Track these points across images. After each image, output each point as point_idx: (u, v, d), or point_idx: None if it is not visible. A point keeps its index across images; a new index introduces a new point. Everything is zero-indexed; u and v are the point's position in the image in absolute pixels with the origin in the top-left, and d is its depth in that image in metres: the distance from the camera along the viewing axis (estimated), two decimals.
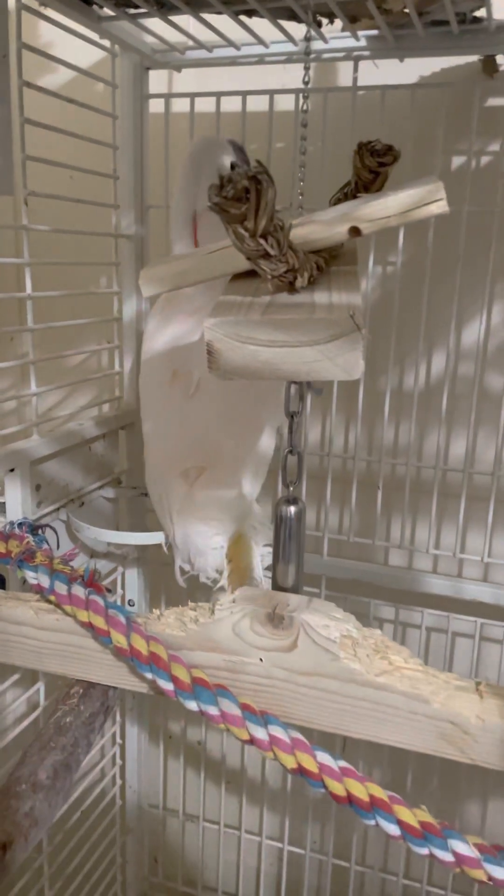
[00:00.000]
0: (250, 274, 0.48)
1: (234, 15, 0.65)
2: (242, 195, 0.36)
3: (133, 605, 0.96)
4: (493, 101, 0.80)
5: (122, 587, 0.95)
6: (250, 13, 0.65)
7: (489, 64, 0.79)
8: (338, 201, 0.55)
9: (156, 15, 0.65)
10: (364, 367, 0.40)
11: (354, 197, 0.53)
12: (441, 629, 0.92)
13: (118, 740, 1.01)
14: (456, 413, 0.86)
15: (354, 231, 0.45)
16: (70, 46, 0.75)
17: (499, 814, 0.96)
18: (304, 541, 0.56)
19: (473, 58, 0.78)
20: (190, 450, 0.68)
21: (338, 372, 0.40)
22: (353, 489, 0.87)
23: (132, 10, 0.66)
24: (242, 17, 0.66)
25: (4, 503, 0.69)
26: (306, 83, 0.51)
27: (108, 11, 0.66)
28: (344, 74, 0.83)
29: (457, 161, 0.83)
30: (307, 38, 0.54)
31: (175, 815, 1.11)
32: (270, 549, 0.66)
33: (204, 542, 0.68)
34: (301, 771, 0.49)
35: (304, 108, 0.51)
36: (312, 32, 0.54)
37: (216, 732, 1.08)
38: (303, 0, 0.61)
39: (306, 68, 0.51)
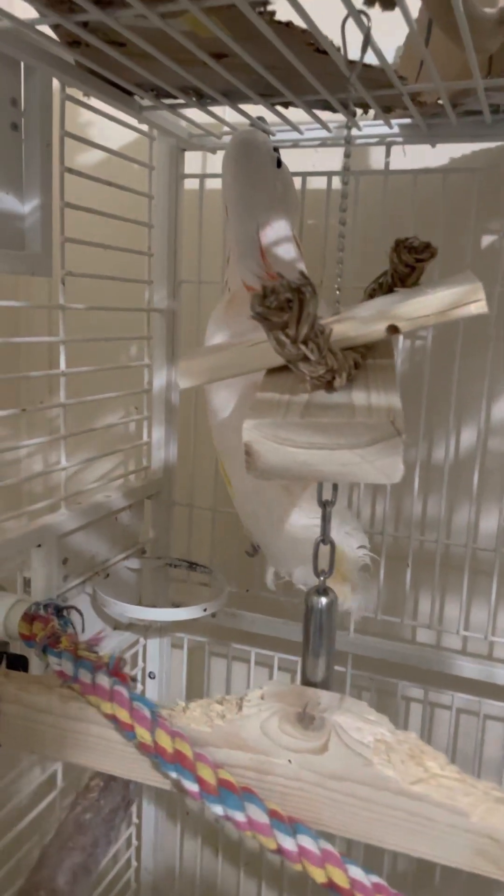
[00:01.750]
0: (287, 368, 0.48)
1: (271, 106, 0.66)
2: (285, 305, 0.36)
3: (154, 678, 0.94)
4: None
5: (144, 659, 0.93)
6: (286, 104, 0.67)
7: None
8: (373, 291, 0.55)
9: (194, 105, 0.67)
10: (403, 470, 0.39)
11: (391, 290, 0.53)
12: (471, 711, 0.89)
13: (134, 820, 0.98)
14: (486, 489, 0.85)
15: (393, 329, 0.44)
16: (106, 126, 0.77)
17: None
18: (335, 634, 0.54)
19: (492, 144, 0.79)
20: None
21: (377, 475, 0.39)
22: (382, 565, 0.85)
23: (170, 101, 0.68)
24: (279, 108, 0.68)
25: (30, 579, 0.69)
26: (347, 168, 0.51)
27: (148, 102, 0.68)
28: (375, 158, 0.85)
29: (486, 240, 0.84)
30: (348, 127, 0.55)
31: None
32: (366, 551, 0.69)
33: (307, 551, 0.69)
34: (332, 886, 0.46)
35: (345, 192, 0.51)
36: (350, 121, 0.55)
37: None
38: (339, 94, 0.62)
39: (347, 155, 0.52)
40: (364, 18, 0.46)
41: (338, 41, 0.52)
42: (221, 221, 0.84)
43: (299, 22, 0.47)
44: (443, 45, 0.58)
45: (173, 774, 0.50)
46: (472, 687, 0.85)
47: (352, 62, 0.52)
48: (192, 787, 0.49)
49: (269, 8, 0.46)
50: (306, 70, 0.55)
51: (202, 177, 0.84)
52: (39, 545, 0.68)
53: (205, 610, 0.77)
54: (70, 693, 0.56)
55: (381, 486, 0.88)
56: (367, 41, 0.48)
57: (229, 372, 0.48)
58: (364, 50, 0.49)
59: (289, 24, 0.49)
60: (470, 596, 0.87)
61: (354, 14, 0.45)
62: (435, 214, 0.78)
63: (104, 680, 0.53)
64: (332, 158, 0.86)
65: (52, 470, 0.71)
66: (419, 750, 0.49)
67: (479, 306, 0.43)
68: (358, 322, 0.45)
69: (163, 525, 0.92)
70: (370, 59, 0.53)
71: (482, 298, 0.43)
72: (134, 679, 0.57)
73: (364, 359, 0.48)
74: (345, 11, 0.46)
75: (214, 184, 0.85)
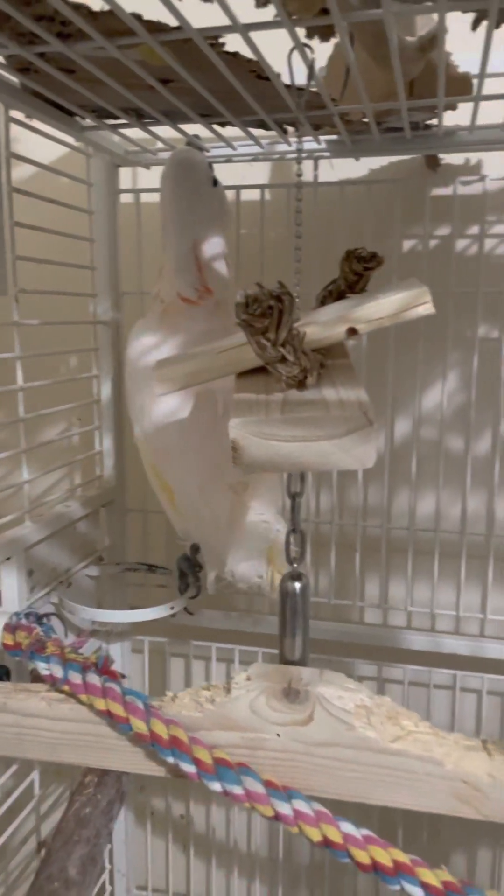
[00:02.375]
0: (257, 370, 0.52)
1: (209, 125, 0.70)
2: (266, 312, 0.40)
3: (125, 677, 0.96)
4: (437, 192, 0.87)
5: (112, 663, 0.95)
6: (223, 124, 0.71)
7: (432, 159, 0.87)
8: (324, 298, 0.59)
9: (136, 125, 0.70)
10: (375, 456, 0.44)
11: (340, 296, 0.58)
12: (420, 683, 0.95)
13: None
14: (422, 475, 0.91)
15: (351, 331, 0.49)
16: (34, 142, 0.78)
17: (484, 861, 0.98)
18: (309, 615, 0.58)
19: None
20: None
21: (351, 462, 0.44)
22: (332, 552, 0.90)
23: (111, 121, 0.71)
24: (216, 126, 0.72)
25: (0, 592, 0.70)
26: (299, 185, 0.56)
27: (90, 122, 0.70)
28: (304, 171, 0.90)
29: (408, 244, 0.90)
30: (298, 150, 0.60)
31: (164, 895, 1.09)
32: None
33: (253, 548, 0.72)
34: (326, 843, 0.51)
35: (299, 208, 0.56)
36: (299, 138, 0.60)
37: (200, 805, 1.07)
38: (274, 115, 0.67)
39: (299, 175, 0.57)
40: (308, 51, 0.50)
41: (276, 68, 0.57)
42: (158, 234, 0.87)
43: (245, 51, 0.52)
44: (365, 67, 0.64)
45: (171, 759, 0.53)
46: (418, 658, 0.92)
47: (298, 88, 0.56)
48: (190, 768, 0.53)
49: (220, 40, 0.50)
50: (248, 94, 0.59)
51: (137, 191, 0.87)
52: (8, 558, 0.69)
53: (171, 608, 0.79)
54: (58, 696, 0.58)
55: (326, 478, 0.93)
56: (313, 70, 0.53)
57: (203, 377, 0.52)
58: (310, 78, 0.54)
59: (235, 55, 0.53)
60: (413, 575, 0.93)
61: (299, 46, 0.49)
62: (361, 223, 0.84)
63: (95, 679, 0.56)
64: (262, 172, 0.91)
65: (16, 483, 0.72)
66: (395, 711, 0.54)
67: (426, 308, 0.48)
68: (320, 326, 0.49)
69: (118, 531, 0.94)
70: (300, 80, 0.58)
71: (429, 301, 0.48)
72: (123, 675, 0.59)
73: (325, 360, 0.52)
74: (288, 43, 0.50)
75: (149, 198, 0.88)
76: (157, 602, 0.83)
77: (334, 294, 0.58)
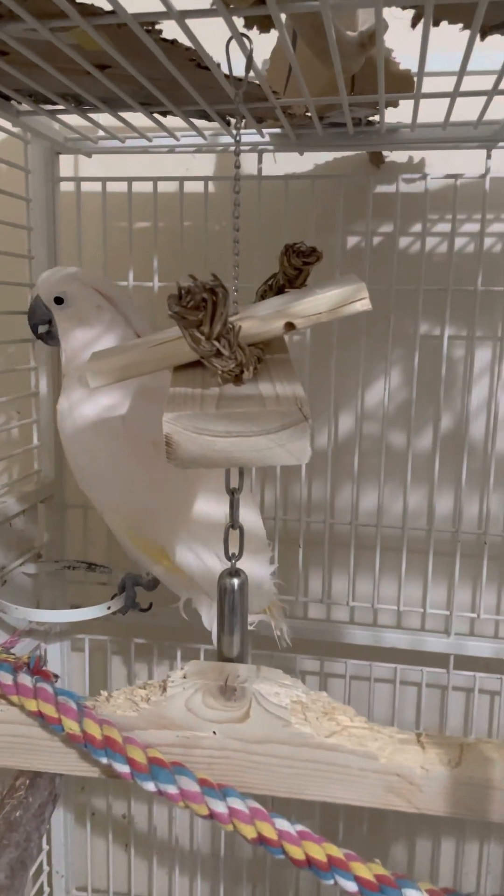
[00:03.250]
0: (194, 364, 0.51)
1: (150, 114, 0.69)
2: (200, 304, 0.39)
3: (58, 678, 0.94)
4: (381, 189, 0.88)
5: (44, 664, 0.93)
6: (165, 113, 0.70)
7: (376, 156, 0.87)
8: (264, 293, 0.59)
9: (74, 112, 0.68)
10: (311, 452, 0.44)
11: (280, 291, 0.57)
12: (362, 677, 0.96)
13: None
14: (364, 470, 0.92)
15: (289, 326, 0.49)
16: None
17: (424, 853, 1.00)
18: (247, 612, 0.58)
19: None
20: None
21: (287, 457, 0.43)
22: (276, 548, 0.90)
23: (49, 107, 0.69)
24: (157, 116, 0.70)
25: None
26: (237, 167, 0.56)
27: (26, 107, 0.68)
28: (248, 164, 0.89)
29: (351, 241, 0.91)
30: (237, 141, 0.59)
31: (104, 895, 1.08)
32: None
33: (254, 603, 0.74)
34: (261, 840, 0.50)
35: (237, 200, 0.56)
36: (237, 129, 0.59)
37: (142, 804, 1.06)
38: (216, 105, 0.66)
39: (237, 166, 0.56)
40: (246, 41, 0.50)
41: (217, 58, 0.56)
42: (99, 224, 0.85)
43: (183, 39, 0.51)
44: (308, 62, 0.63)
45: (104, 760, 0.52)
46: (360, 652, 0.93)
47: (237, 79, 0.55)
48: (124, 768, 0.52)
49: (157, 27, 0.49)
50: (188, 83, 0.58)
51: (80, 180, 0.85)
52: None
53: (109, 608, 0.78)
54: None
55: (270, 474, 0.93)
56: (251, 61, 0.52)
57: (138, 370, 0.51)
58: (248, 69, 0.53)
59: (174, 42, 0.52)
60: (355, 569, 0.94)
61: (237, 36, 0.49)
62: (305, 217, 0.83)
63: (26, 679, 0.54)
64: (208, 164, 0.90)
65: None
66: (331, 707, 0.55)
67: (363, 304, 0.48)
68: (258, 320, 0.49)
69: (57, 528, 0.92)
70: (240, 72, 0.57)
71: (366, 297, 0.48)
72: (56, 676, 0.58)
73: (263, 353, 0.52)
74: (227, 32, 0.49)
75: (90, 187, 0.86)
76: (98, 600, 0.82)
77: (274, 289, 0.58)
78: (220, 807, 0.51)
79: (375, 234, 0.89)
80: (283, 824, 0.51)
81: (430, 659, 0.91)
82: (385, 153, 0.87)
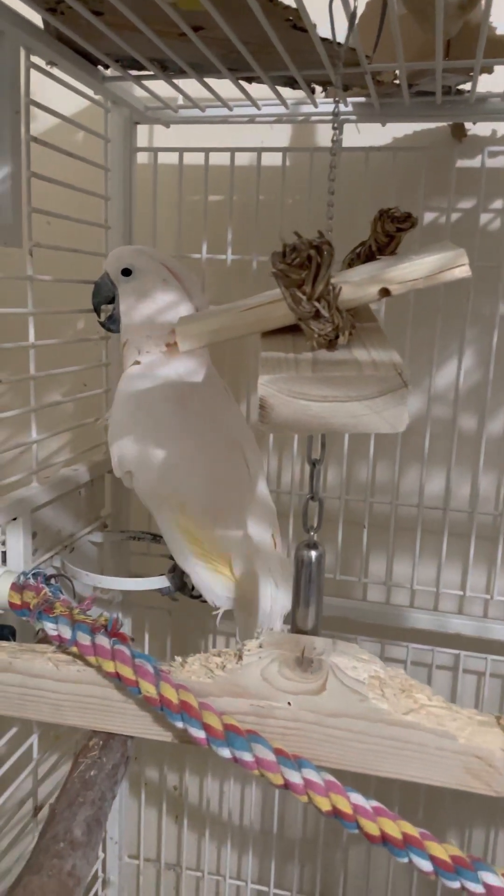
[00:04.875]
0: (282, 331, 0.50)
1: (236, 80, 0.68)
2: (305, 262, 0.38)
3: (134, 641, 0.95)
4: (462, 163, 0.86)
5: (121, 626, 0.94)
6: (251, 79, 0.69)
7: (458, 129, 0.85)
8: (351, 261, 0.58)
9: (160, 77, 0.68)
10: (408, 419, 0.43)
11: (369, 258, 0.56)
12: (421, 663, 0.94)
13: None
14: (432, 453, 0.90)
15: (384, 292, 0.48)
16: (51, 95, 0.75)
17: (478, 841, 0.99)
18: (323, 585, 0.57)
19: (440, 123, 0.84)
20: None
21: (383, 425, 0.42)
22: (340, 529, 0.89)
23: (135, 72, 0.69)
24: (242, 83, 0.69)
25: (5, 552, 0.68)
26: (337, 143, 0.55)
27: (112, 72, 0.68)
28: (324, 136, 0.88)
29: (428, 217, 0.89)
30: (336, 102, 0.58)
31: (155, 864, 1.09)
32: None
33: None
34: (336, 813, 0.50)
35: (334, 153, 0.54)
36: (336, 99, 0.58)
37: (194, 776, 1.07)
38: (304, 71, 0.65)
39: (335, 128, 0.55)
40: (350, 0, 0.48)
41: (314, 20, 0.54)
42: (174, 195, 0.85)
43: None
44: (403, 23, 0.61)
45: (179, 724, 0.52)
46: (423, 637, 0.91)
47: (334, 42, 0.54)
48: (199, 733, 0.52)
49: None
50: (282, 46, 0.57)
51: (155, 150, 0.85)
52: (15, 518, 0.68)
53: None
54: (65, 657, 0.57)
55: (335, 453, 0.92)
56: (353, 22, 0.51)
57: (226, 335, 0.50)
58: (350, 30, 0.52)
59: (273, 0, 0.51)
60: (420, 553, 0.92)
61: None
62: (383, 192, 0.82)
63: (104, 640, 0.55)
64: (282, 137, 0.89)
65: (25, 443, 0.70)
66: (408, 684, 0.54)
67: (463, 270, 0.47)
68: (352, 286, 0.48)
69: (123, 499, 0.92)
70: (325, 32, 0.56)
71: (466, 263, 0.47)
72: (132, 638, 0.58)
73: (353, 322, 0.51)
74: None
75: (166, 158, 0.86)
76: (160, 572, 0.82)
77: (362, 257, 0.57)
78: (295, 777, 0.50)
79: (455, 211, 0.86)
80: (357, 799, 0.50)
81: (494, 647, 0.89)
82: (467, 126, 0.84)
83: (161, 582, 0.76)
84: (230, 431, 0.73)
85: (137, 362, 0.72)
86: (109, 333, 0.78)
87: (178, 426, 0.70)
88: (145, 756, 1.09)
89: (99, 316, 0.76)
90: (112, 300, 0.74)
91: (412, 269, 0.47)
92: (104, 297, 0.75)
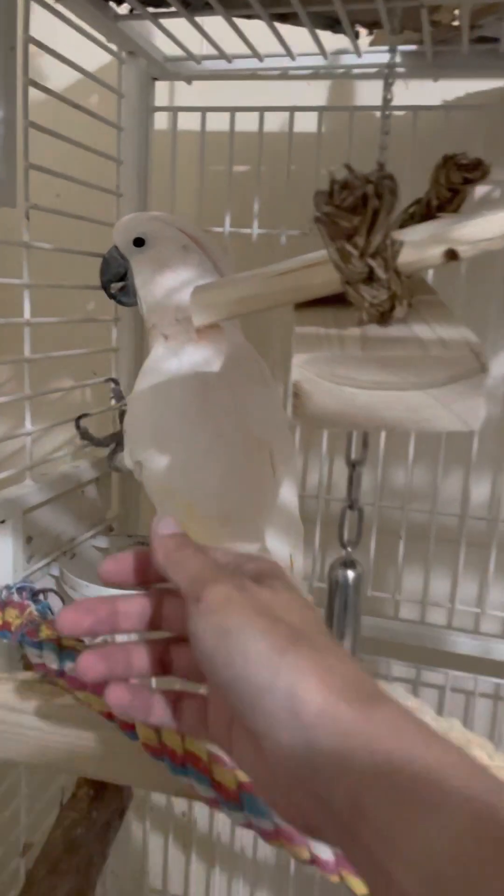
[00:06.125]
0: (319, 303, 0.41)
1: (270, 18, 0.58)
2: (359, 204, 0.29)
3: None
4: None
5: None
6: (286, 17, 0.59)
7: None
8: (403, 224, 0.48)
9: (182, 14, 0.58)
10: (484, 415, 0.33)
11: (426, 217, 0.46)
12: (462, 689, 0.85)
13: None
14: (479, 455, 0.80)
15: (450, 255, 0.38)
16: (62, 48, 0.67)
17: None
18: (360, 611, 0.48)
19: (500, 82, 0.74)
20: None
21: (453, 421, 0.33)
22: (373, 539, 0.80)
23: (154, 10, 0.59)
24: (275, 23, 0.60)
25: None
26: (389, 100, 0.45)
27: (125, 10, 0.59)
28: (364, 95, 0.78)
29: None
30: (392, 50, 0.48)
31: None
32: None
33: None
34: None
35: (386, 129, 0.45)
36: (392, 46, 0.49)
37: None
38: (350, 5, 0.55)
39: (389, 83, 0.45)
40: None
41: None
42: (195, 161, 0.76)
43: None
44: None
45: (184, 780, 0.43)
46: (461, 663, 0.82)
47: None
48: (208, 793, 0.43)
49: None
50: None
51: (177, 109, 0.75)
52: (3, 521, 0.59)
53: None
54: (53, 690, 0.48)
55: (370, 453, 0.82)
56: None
57: (251, 306, 0.41)
58: None
59: None
60: (460, 569, 0.82)
61: None
62: (433, 157, 0.71)
63: None
64: (317, 98, 0.79)
65: (18, 434, 0.62)
66: (465, 739, 0.44)
67: None
68: (410, 247, 0.38)
69: (131, 499, 0.83)
70: None
71: None
72: None
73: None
74: None
75: (187, 121, 0.76)
76: None
77: (416, 218, 0.47)
78: (324, 853, 0.41)
79: None
80: None
81: None
82: None
83: None
84: (259, 428, 0.64)
85: (164, 342, 0.63)
86: (120, 315, 0.69)
87: (196, 417, 0.61)
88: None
89: (109, 292, 0.66)
90: (123, 276, 0.65)
91: (486, 227, 0.38)
92: (114, 273, 0.65)
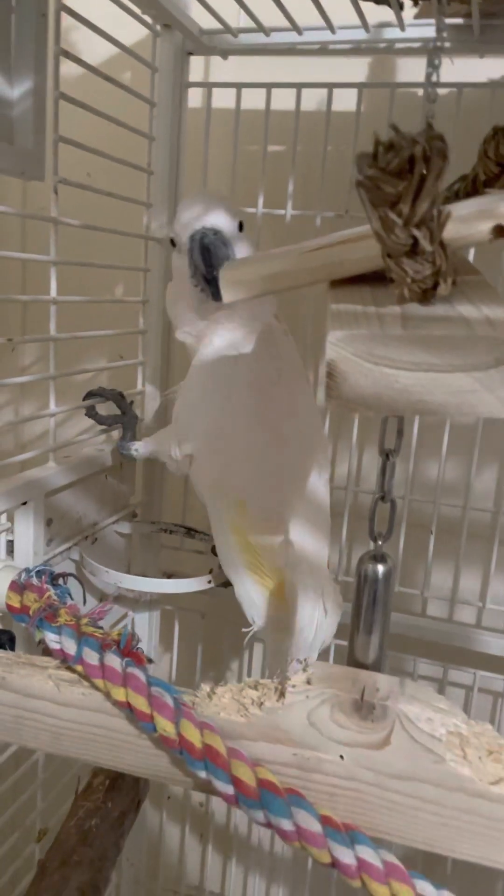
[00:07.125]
0: (355, 281, 0.38)
1: None
2: (405, 168, 0.27)
3: (152, 663, 0.85)
4: None
5: (137, 643, 0.84)
6: None
7: None
8: (447, 201, 0.45)
9: None
10: None
11: (472, 194, 0.44)
12: (490, 690, 0.82)
13: None
14: None
15: (499, 231, 0.36)
16: (96, 20, 0.64)
17: None
18: (390, 608, 0.46)
19: None
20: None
21: (498, 407, 0.31)
22: (402, 533, 0.77)
23: None
24: None
25: (12, 542, 0.59)
26: (432, 75, 0.43)
27: None
28: (406, 72, 0.75)
29: None
30: (438, 28, 0.46)
31: (175, 886, 0.99)
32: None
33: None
34: None
35: (430, 112, 0.43)
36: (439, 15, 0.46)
37: None
38: None
39: (438, 49, 0.43)
40: None
41: None
42: (230, 140, 0.74)
43: None
44: None
45: (202, 774, 0.42)
46: (492, 664, 0.79)
47: None
48: (227, 788, 0.41)
49: None
50: None
51: (212, 86, 0.73)
52: (25, 503, 0.58)
53: (209, 582, 0.68)
54: (68, 676, 0.47)
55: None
56: None
57: (283, 283, 0.39)
58: None
59: None
60: (493, 566, 0.80)
61: None
62: (477, 137, 0.68)
63: (115, 661, 0.44)
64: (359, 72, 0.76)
65: (42, 415, 0.60)
66: (497, 744, 0.42)
67: None
68: (457, 221, 0.36)
69: (156, 486, 0.82)
70: None
71: None
72: (150, 660, 0.48)
73: None
74: None
75: (222, 98, 0.74)
76: (193, 570, 0.72)
77: (462, 194, 0.45)
78: (346, 856, 0.39)
79: None
80: (425, 888, 0.39)
81: None
82: None
83: (194, 584, 0.66)
84: (307, 422, 0.62)
85: (223, 329, 0.61)
86: (148, 297, 0.67)
87: (254, 413, 0.59)
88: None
89: (212, 281, 0.57)
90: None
91: None
92: (222, 260, 0.56)
